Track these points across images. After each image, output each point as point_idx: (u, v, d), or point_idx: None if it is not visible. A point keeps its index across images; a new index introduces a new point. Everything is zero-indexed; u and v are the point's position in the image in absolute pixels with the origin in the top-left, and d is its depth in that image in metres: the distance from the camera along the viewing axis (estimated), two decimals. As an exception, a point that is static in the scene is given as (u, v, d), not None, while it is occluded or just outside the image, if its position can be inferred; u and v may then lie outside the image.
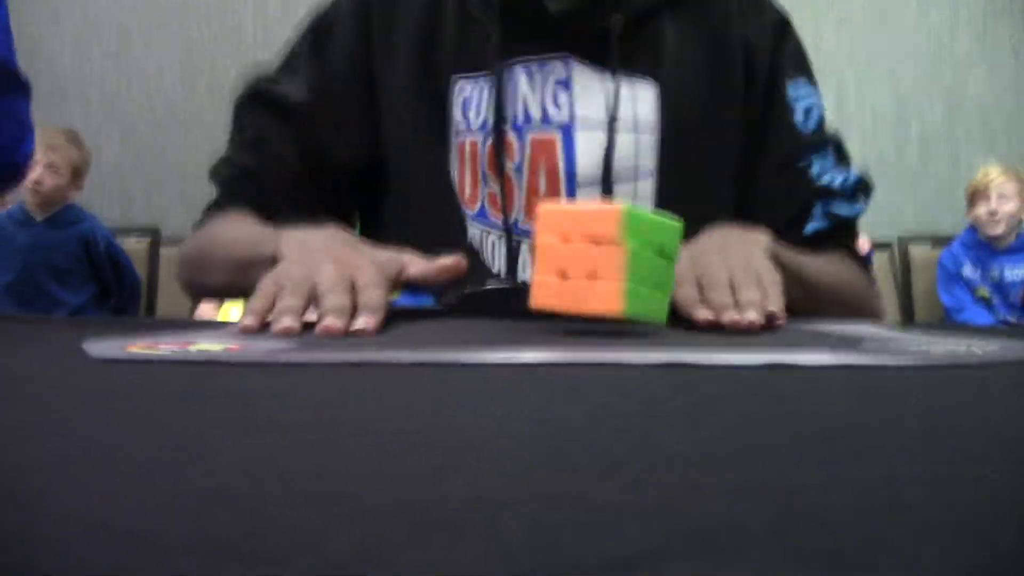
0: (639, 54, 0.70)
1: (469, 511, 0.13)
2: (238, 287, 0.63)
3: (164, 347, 0.36)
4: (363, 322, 0.44)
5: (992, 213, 2.43)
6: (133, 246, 2.66)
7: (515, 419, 0.20)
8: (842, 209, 0.72)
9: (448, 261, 0.54)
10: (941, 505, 0.13)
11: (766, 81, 0.73)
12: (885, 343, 0.40)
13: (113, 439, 0.19)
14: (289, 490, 0.14)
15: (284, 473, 0.15)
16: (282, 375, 0.29)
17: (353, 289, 0.48)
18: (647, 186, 0.70)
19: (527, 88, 0.69)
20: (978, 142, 3.34)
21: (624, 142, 0.70)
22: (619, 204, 0.45)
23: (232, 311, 2.11)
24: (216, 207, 0.73)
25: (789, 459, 0.17)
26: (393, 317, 0.56)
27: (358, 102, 0.72)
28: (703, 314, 0.49)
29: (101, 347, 0.35)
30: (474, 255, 0.70)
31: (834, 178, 0.72)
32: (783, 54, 0.74)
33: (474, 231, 0.71)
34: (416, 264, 0.53)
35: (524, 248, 0.69)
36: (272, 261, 0.54)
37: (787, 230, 0.67)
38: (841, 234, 0.75)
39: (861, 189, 0.73)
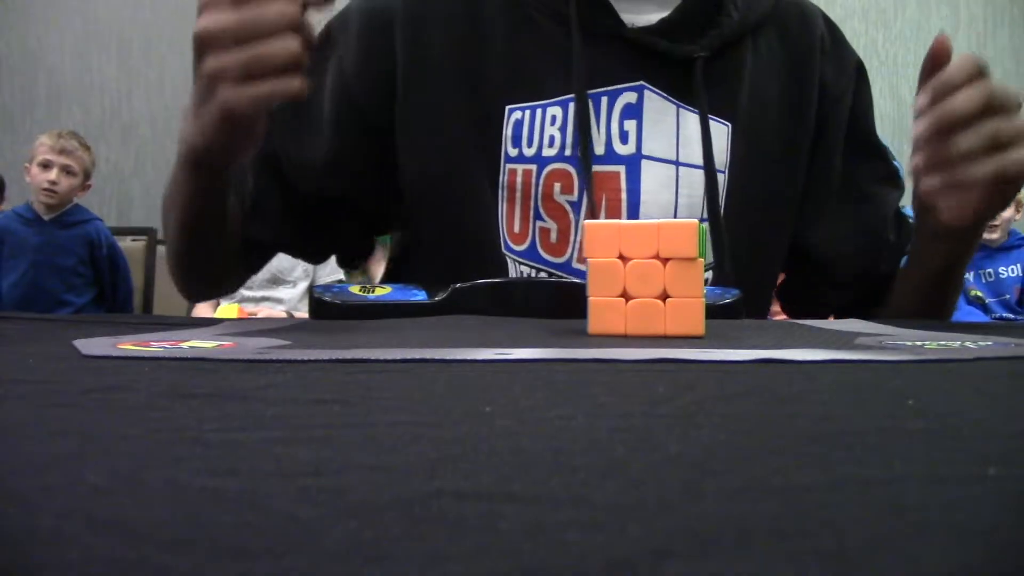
0: (717, 90, 0.64)
1: (466, 506, 0.13)
2: (196, 212, 0.59)
3: (156, 345, 0.36)
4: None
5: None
6: (130, 246, 2.68)
7: (512, 415, 0.20)
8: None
9: None
10: (941, 504, 0.13)
11: (850, 132, 0.68)
12: (880, 339, 0.40)
13: (105, 436, 0.19)
14: (285, 485, 0.14)
15: (280, 468, 0.15)
16: (275, 372, 0.29)
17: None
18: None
19: (592, 116, 0.62)
20: (976, 143, 3.35)
21: (693, 178, 0.64)
22: (689, 221, 0.43)
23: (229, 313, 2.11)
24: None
25: (789, 459, 0.17)
26: (386, 313, 0.56)
27: (368, 141, 0.65)
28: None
29: (92, 344, 0.35)
30: None
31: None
32: (867, 102, 0.69)
33: (519, 270, 0.64)
34: None
35: None
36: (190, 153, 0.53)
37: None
38: None
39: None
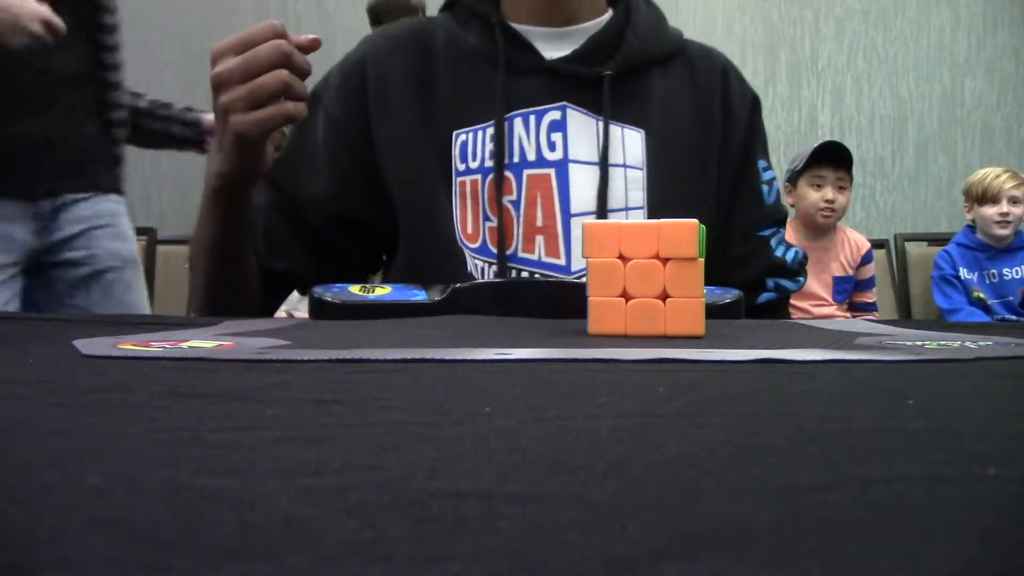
0: (630, 104, 0.76)
1: (466, 506, 0.13)
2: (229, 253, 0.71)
3: (156, 345, 0.36)
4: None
5: (1004, 214, 2.43)
6: (130, 245, 2.66)
7: (512, 415, 0.20)
8: (788, 284, 0.81)
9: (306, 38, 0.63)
10: (941, 504, 0.13)
11: (740, 149, 0.80)
12: (880, 339, 0.40)
13: (106, 436, 0.19)
14: (285, 485, 0.14)
15: (279, 468, 0.15)
16: (275, 372, 0.29)
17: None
18: (638, 216, 0.75)
19: (523, 131, 0.75)
20: (976, 143, 3.34)
21: (615, 176, 0.75)
22: (690, 221, 0.43)
23: None
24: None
25: (789, 459, 0.17)
26: (386, 313, 0.56)
27: (342, 160, 0.77)
28: None
29: (92, 344, 0.35)
30: None
31: (786, 253, 0.81)
32: (756, 129, 0.82)
33: (474, 263, 0.75)
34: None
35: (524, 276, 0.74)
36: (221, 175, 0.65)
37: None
38: (782, 307, 0.83)
39: (802, 263, 0.82)
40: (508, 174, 0.74)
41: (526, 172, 0.74)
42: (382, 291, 0.61)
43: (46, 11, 1.08)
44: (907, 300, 2.70)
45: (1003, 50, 3.32)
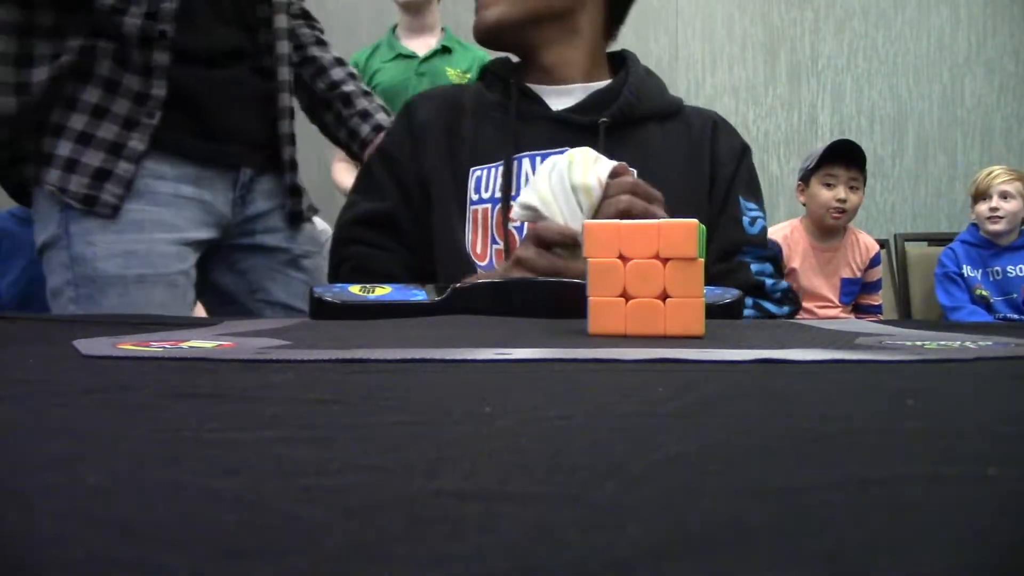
0: (625, 149, 0.86)
1: (466, 506, 0.13)
2: None
3: (156, 345, 0.36)
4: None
5: (994, 209, 2.44)
6: (130, 245, 2.67)
7: (512, 415, 0.20)
8: (770, 307, 0.86)
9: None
10: (941, 505, 0.13)
11: (724, 188, 0.90)
12: (880, 339, 0.40)
13: (106, 436, 0.19)
14: (285, 485, 0.14)
15: (279, 468, 0.15)
16: (275, 372, 0.29)
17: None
18: None
19: (529, 169, 0.88)
20: (976, 143, 3.34)
21: None
22: (690, 221, 0.43)
23: None
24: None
25: (789, 459, 0.17)
26: (386, 313, 0.56)
27: (420, 197, 0.91)
28: None
29: (92, 345, 0.35)
30: None
31: (767, 280, 0.87)
32: (741, 173, 0.92)
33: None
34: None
35: None
36: None
37: None
38: None
39: (790, 297, 0.88)
40: (513, 204, 0.84)
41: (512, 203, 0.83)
42: (382, 291, 0.61)
43: None
44: (907, 300, 2.70)
45: (1003, 50, 3.32)
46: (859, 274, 2.41)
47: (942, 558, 0.11)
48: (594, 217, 0.66)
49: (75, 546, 0.11)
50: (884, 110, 3.34)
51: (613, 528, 0.12)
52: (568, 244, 0.66)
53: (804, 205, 2.40)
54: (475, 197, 0.89)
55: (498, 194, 0.87)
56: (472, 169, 0.89)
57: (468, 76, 2.20)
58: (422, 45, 2.28)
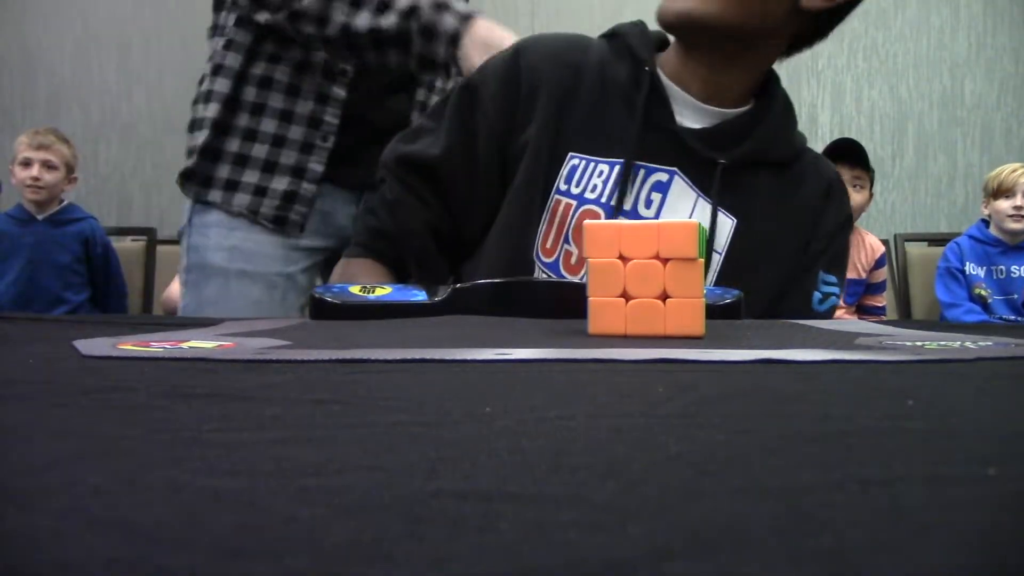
0: (733, 193, 0.80)
1: (466, 506, 0.13)
2: None
3: (156, 345, 0.36)
4: None
5: (1018, 208, 2.42)
6: (130, 246, 2.67)
7: (512, 416, 0.20)
8: None
9: None
10: (941, 504, 0.13)
11: (810, 257, 0.84)
12: (879, 339, 0.40)
13: (106, 436, 0.19)
14: (285, 485, 0.14)
15: (280, 468, 0.15)
16: (275, 372, 0.29)
17: None
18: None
19: (629, 180, 0.79)
20: (976, 143, 3.34)
21: None
22: (689, 221, 0.43)
23: None
24: (355, 250, 0.86)
25: (789, 459, 0.17)
26: (386, 313, 0.56)
27: (490, 164, 0.82)
28: None
29: (92, 345, 0.35)
30: None
31: None
32: (832, 247, 0.86)
33: (541, 275, 0.79)
34: None
35: None
36: None
37: None
38: None
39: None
40: (599, 209, 0.78)
41: (620, 218, 0.78)
42: (382, 291, 0.61)
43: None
44: (907, 300, 2.70)
45: (1003, 50, 3.32)
46: (864, 275, 2.41)
47: (942, 558, 0.11)
48: None
49: (75, 546, 0.11)
50: (884, 110, 3.34)
51: (613, 528, 0.12)
52: None
53: None
54: (564, 188, 0.79)
55: (589, 194, 0.78)
56: (571, 154, 0.79)
57: None
58: None
